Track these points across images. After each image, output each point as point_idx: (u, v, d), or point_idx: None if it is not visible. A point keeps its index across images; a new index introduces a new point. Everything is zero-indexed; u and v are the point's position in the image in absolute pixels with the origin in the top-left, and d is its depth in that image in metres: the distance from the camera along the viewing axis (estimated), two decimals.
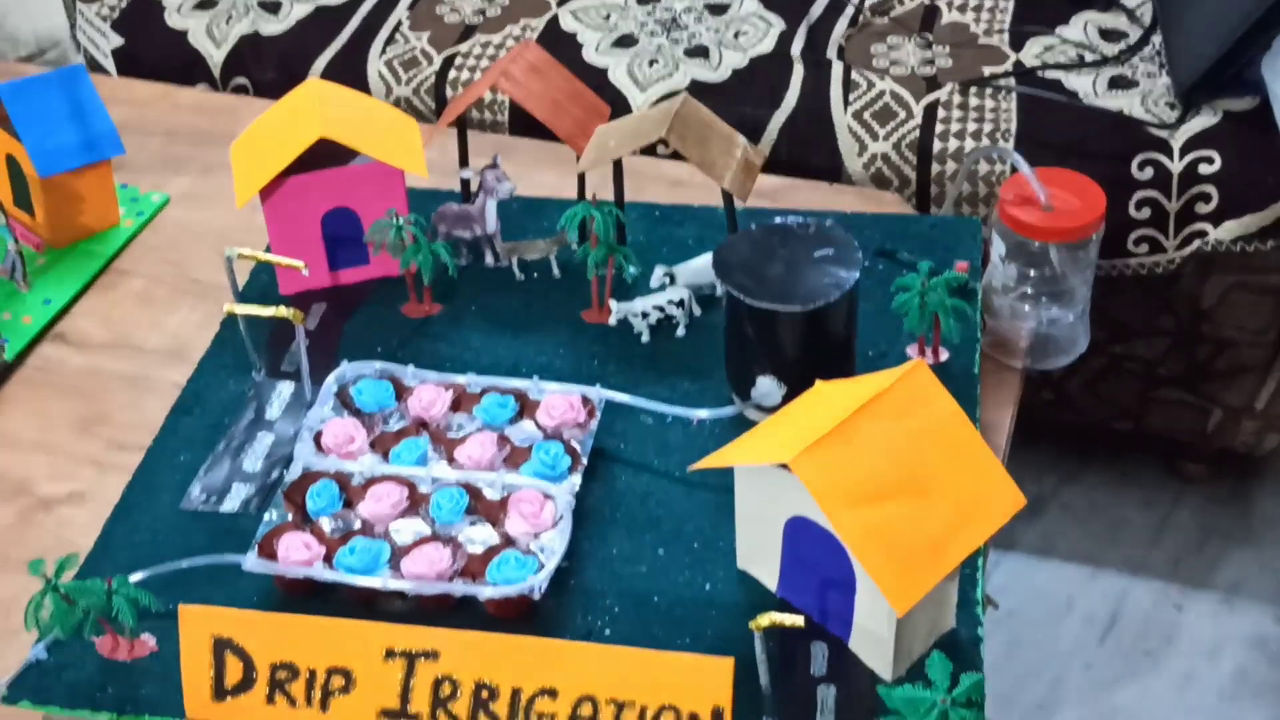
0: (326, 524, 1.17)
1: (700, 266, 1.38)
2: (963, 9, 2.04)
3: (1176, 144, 1.78)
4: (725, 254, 1.23)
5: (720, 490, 1.21)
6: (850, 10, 2.03)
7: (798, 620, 0.97)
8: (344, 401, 1.27)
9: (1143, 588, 1.92)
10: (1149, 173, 1.77)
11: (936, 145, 1.82)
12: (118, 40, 2.05)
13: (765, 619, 0.98)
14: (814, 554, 1.08)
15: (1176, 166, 1.77)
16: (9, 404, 1.41)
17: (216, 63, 2.03)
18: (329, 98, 1.38)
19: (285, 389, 1.33)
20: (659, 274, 1.37)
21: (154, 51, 2.06)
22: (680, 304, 1.35)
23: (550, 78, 1.40)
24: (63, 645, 1.11)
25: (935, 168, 1.82)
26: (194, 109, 1.82)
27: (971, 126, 1.83)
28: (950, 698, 0.95)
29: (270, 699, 1.04)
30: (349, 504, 1.19)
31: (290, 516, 1.17)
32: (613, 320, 1.35)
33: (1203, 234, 1.78)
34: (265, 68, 2.02)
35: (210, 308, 1.50)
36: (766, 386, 1.22)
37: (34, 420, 1.39)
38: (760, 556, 1.13)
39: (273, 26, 2.05)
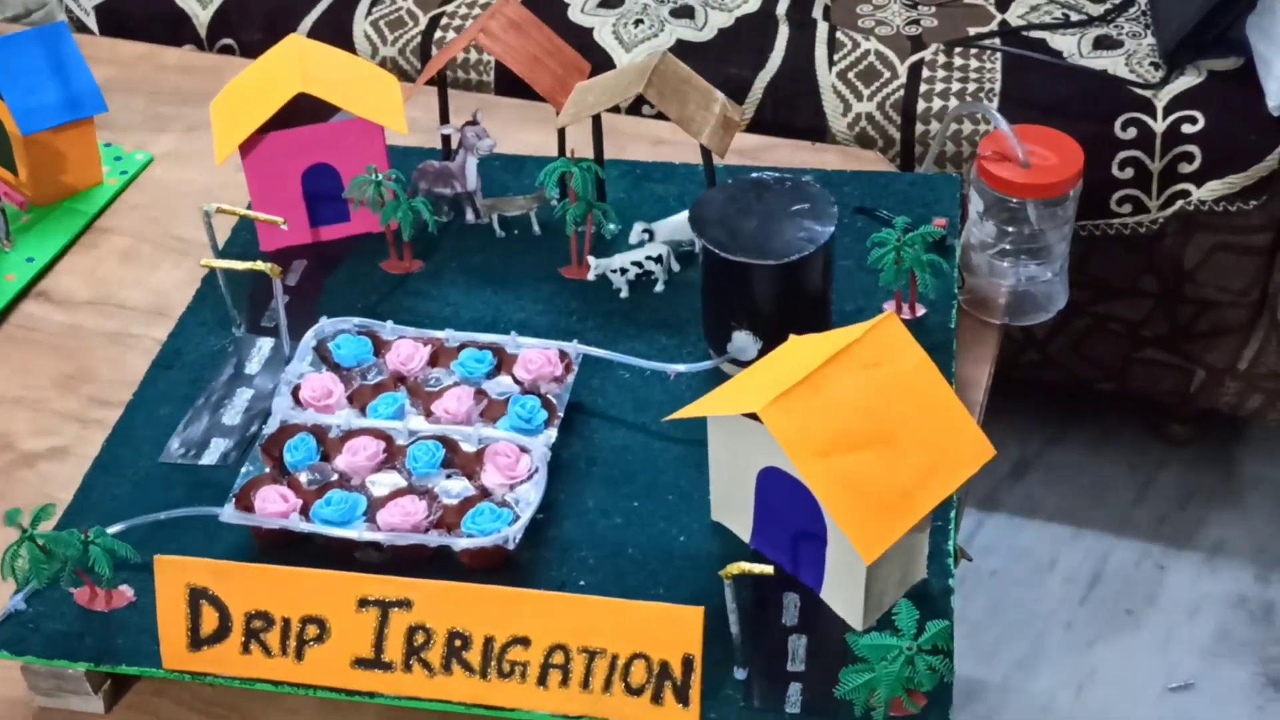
0: (303, 476, 1.17)
1: (679, 223, 1.38)
2: None
3: (1160, 104, 1.78)
4: (701, 209, 1.23)
5: (696, 444, 1.22)
6: None
7: (766, 569, 0.98)
8: (322, 356, 1.27)
9: (1125, 548, 1.93)
10: (1132, 132, 1.77)
11: (921, 105, 1.82)
12: None
13: (734, 568, 0.99)
14: (785, 505, 1.08)
15: (1160, 126, 1.77)
16: None
17: (202, 23, 2.02)
18: (309, 54, 1.38)
19: (265, 344, 1.34)
20: (638, 230, 1.37)
21: (138, 11, 2.06)
22: (659, 260, 1.35)
23: (530, 34, 1.40)
24: (40, 595, 1.12)
25: (919, 128, 1.82)
26: (179, 69, 1.82)
27: (956, 86, 1.83)
28: (916, 644, 0.96)
29: (245, 649, 1.05)
30: (326, 457, 1.19)
31: (268, 469, 1.17)
32: (591, 275, 1.36)
33: (1186, 194, 1.78)
34: (252, 28, 2.02)
35: (192, 265, 1.51)
36: (742, 341, 1.23)
37: (16, 377, 1.40)
38: (733, 508, 1.14)
39: None
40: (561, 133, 1.42)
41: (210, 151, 1.66)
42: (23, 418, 1.36)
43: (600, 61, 1.89)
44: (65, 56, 1.55)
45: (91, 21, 2.05)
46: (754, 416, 1.01)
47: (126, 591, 1.12)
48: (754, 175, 1.26)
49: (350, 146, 1.38)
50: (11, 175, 1.57)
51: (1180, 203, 1.78)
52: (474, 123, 1.41)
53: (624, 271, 1.35)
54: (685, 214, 1.39)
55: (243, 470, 1.17)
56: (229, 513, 1.13)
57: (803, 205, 1.22)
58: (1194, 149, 1.76)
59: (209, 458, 1.23)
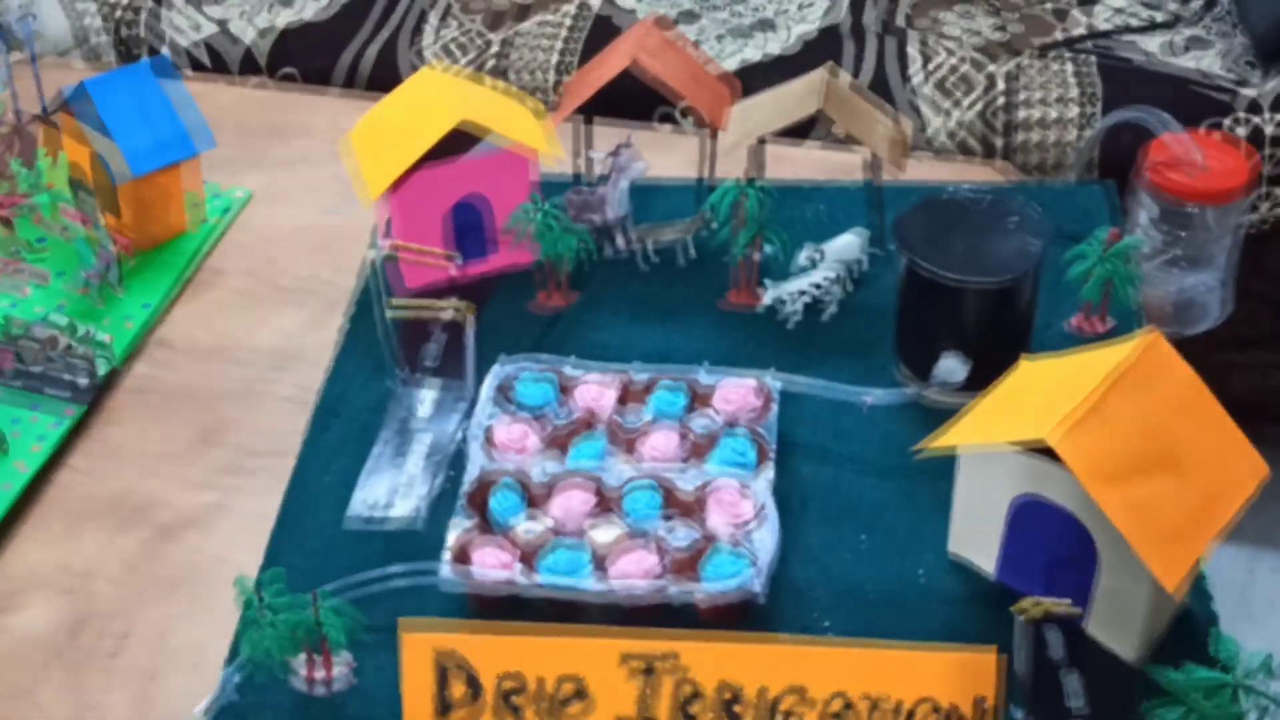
0: (519, 529, 1.11)
1: (846, 243, 1.34)
2: None
3: (1265, 101, 1.77)
4: (905, 228, 1.18)
5: (907, 475, 1.17)
6: None
7: (1065, 603, 0.93)
8: (506, 398, 1.21)
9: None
10: (1242, 132, 1.75)
11: (1021, 113, 1.79)
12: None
13: (1029, 602, 0.94)
14: (1043, 535, 1.04)
15: (1270, 125, 1.75)
16: (121, 416, 1.34)
17: (262, 52, 1.95)
18: (452, 83, 1.31)
19: (430, 389, 1.27)
20: (807, 252, 1.32)
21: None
22: (835, 282, 1.30)
23: (680, 55, 1.35)
24: (254, 670, 1.05)
25: (1020, 136, 1.79)
26: (260, 102, 1.75)
27: (1055, 93, 1.80)
28: (1241, 677, 0.92)
29: (498, 714, 0.98)
30: (534, 506, 1.13)
31: (476, 523, 1.11)
32: (767, 299, 1.30)
33: None
34: (314, 56, 1.94)
35: (317, 306, 1.43)
36: (951, 364, 1.18)
37: (151, 432, 1.32)
38: (977, 540, 1.09)
39: (317, 12, 1.98)
40: (712, 155, 1.37)
41: (311, 186, 1.59)
42: (168, 474, 1.28)
43: None
44: (170, 91, 1.47)
45: (112, 60, 1.96)
46: (1021, 446, 0.97)
47: (349, 659, 1.05)
48: (949, 191, 1.22)
49: (501, 178, 1.32)
50: (114, 218, 1.49)
51: None
52: (628, 145, 1.36)
53: (802, 294, 1.30)
54: (852, 233, 1.34)
55: (451, 523, 1.10)
56: (449, 569, 1.06)
57: (1010, 220, 1.18)
58: None
59: (399, 513, 1.16)
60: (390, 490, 1.18)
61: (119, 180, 1.45)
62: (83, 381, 1.33)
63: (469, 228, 1.34)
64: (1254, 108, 1.76)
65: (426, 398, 1.26)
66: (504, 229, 1.31)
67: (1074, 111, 1.78)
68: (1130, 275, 1.22)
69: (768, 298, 1.30)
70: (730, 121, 1.31)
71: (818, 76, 1.28)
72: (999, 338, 1.18)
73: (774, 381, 1.21)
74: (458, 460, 1.20)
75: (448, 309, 1.16)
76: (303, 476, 1.21)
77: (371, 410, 1.26)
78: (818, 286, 1.30)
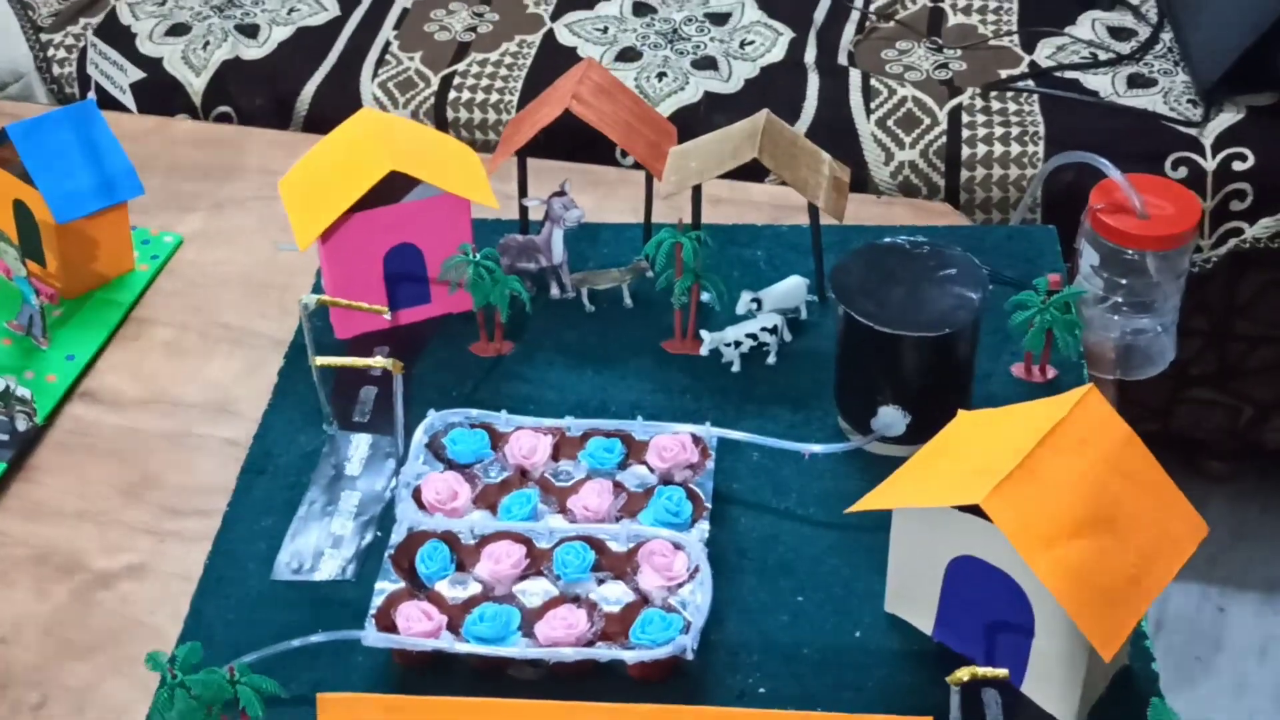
0: (444, 589, 1.08)
1: (786, 290, 1.32)
2: (967, 11, 2.00)
3: (1207, 141, 1.76)
4: (841, 277, 1.17)
5: (847, 529, 1.15)
6: (856, 15, 1.98)
7: (1000, 672, 0.91)
8: (436, 453, 1.18)
9: (1182, 591, 1.90)
10: (1183, 171, 1.75)
11: (965, 151, 1.78)
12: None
13: (964, 673, 0.92)
14: (981, 595, 1.02)
15: (1210, 164, 1.75)
16: (45, 471, 1.30)
17: (197, 91, 1.92)
18: (388, 129, 1.29)
19: (361, 442, 1.24)
20: (745, 300, 1.30)
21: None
22: (773, 330, 1.28)
23: (617, 98, 1.33)
24: None
25: (964, 174, 1.78)
26: (192, 142, 1.71)
27: (999, 131, 1.79)
28: None
29: None
30: (461, 565, 1.10)
31: (403, 583, 1.08)
32: (704, 350, 1.28)
33: (1238, 231, 1.76)
34: (251, 95, 1.91)
35: (248, 355, 1.40)
36: (890, 416, 1.17)
37: (75, 487, 1.28)
38: (914, 598, 1.07)
39: (254, 51, 1.95)
40: (648, 201, 1.35)
41: (243, 230, 1.56)
42: (90, 533, 1.24)
43: None
44: (97, 136, 1.43)
45: (77, 92, 1.93)
46: (957, 506, 0.95)
47: None
48: (887, 240, 1.20)
49: (435, 224, 1.29)
50: (39, 267, 1.45)
51: (1233, 241, 1.76)
52: (561, 193, 1.33)
53: (739, 344, 1.28)
54: (792, 280, 1.32)
55: (377, 587, 1.07)
56: (373, 636, 1.03)
57: (948, 271, 1.16)
58: (1245, 186, 1.74)
59: (325, 572, 1.13)
60: (317, 548, 1.15)
61: (43, 228, 1.42)
62: (1, 438, 1.30)
63: (404, 273, 1.32)
64: (1195, 146, 1.76)
65: (356, 452, 1.23)
66: (437, 278, 1.28)
67: (1017, 150, 1.77)
68: (1071, 324, 1.21)
69: (704, 348, 1.28)
70: (668, 168, 1.29)
71: (756, 122, 1.26)
72: (938, 389, 1.17)
73: (710, 434, 1.18)
74: (388, 515, 1.17)
75: (376, 365, 1.13)
76: (229, 532, 1.18)
77: (302, 464, 1.23)
78: (752, 337, 1.28)
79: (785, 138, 1.27)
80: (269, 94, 1.90)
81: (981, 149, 1.78)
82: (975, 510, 0.96)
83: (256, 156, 1.69)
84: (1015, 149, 1.77)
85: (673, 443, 1.17)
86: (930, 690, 1.01)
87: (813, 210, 1.30)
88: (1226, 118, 1.78)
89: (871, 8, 2.00)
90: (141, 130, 1.72)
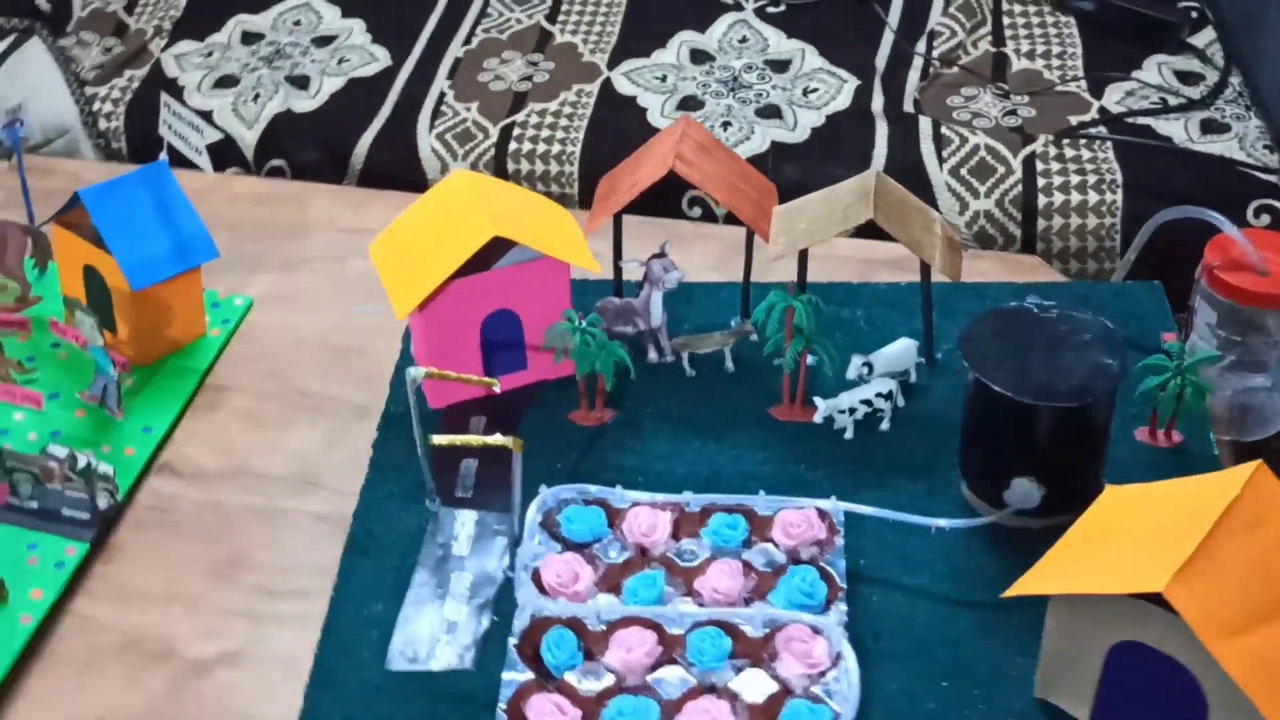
0: (575, 680, 1.03)
1: (897, 353, 1.27)
2: (1031, 56, 1.97)
3: None
4: (972, 344, 1.12)
5: (985, 606, 1.11)
6: (919, 62, 1.95)
7: None
8: (551, 532, 1.13)
9: None
10: (1266, 219, 1.71)
11: (1041, 200, 1.74)
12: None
13: None
14: (1146, 683, 0.97)
15: None
16: (128, 551, 1.24)
17: (249, 144, 1.86)
18: (482, 189, 1.24)
19: (466, 518, 1.19)
20: (857, 364, 1.26)
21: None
22: (888, 396, 1.24)
23: (718, 156, 1.29)
24: None
25: (1041, 223, 1.74)
26: (251, 198, 1.67)
27: (1074, 179, 1.75)
28: None
29: None
30: (589, 654, 1.05)
31: (531, 674, 1.03)
32: (818, 418, 1.24)
33: None
34: (305, 148, 1.86)
35: (330, 424, 1.35)
36: (1024, 489, 1.12)
37: (162, 568, 1.23)
38: (1069, 684, 1.02)
39: (305, 103, 1.90)
40: (748, 263, 1.31)
41: (314, 291, 1.51)
42: (181, 617, 1.19)
43: None
44: (170, 199, 1.39)
45: (124, 147, 1.88)
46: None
47: None
48: (1014, 304, 1.16)
49: (534, 289, 1.25)
50: (110, 334, 1.40)
51: None
52: (661, 254, 1.29)
53: (853, 411, 1.23)
54: (902, 343, 1.28)
55: (504, 678, 1.02)
56: None
57: (1082, 336, 1.12)
58: None
59: (442, 661, 1.08)
60: (432, 635, 1.10)
61: (115, 295, 1.37)
62: (83, 516, 1.24)
63: (501, 340, 1.27)
64: (1276, 192, 1.72)
65: (462, 530, 1.18)
66: (543, 345, 1.23)
67: (1095, 198, 1.73)
68: (1202, 388, 1.17)
69: (819, 415, 1.23)
70: (774, 229, 1.24)
71: (866, 181, 1.22)
72: (1075, 460, 1.12)
73: (837, 508, 1.14)
74: (504, 597, 1.12)
75: (497, 443, 1.08)
76: (338, 618, 1.13)
77: (406, 543, 1.18)
78: (869, 403, 1.23)
79: (896, 196, 1.23)
80: (323, 147, 1.85)
81: (1059, 198, 1.74)
82: (1144, 594, 0.91)
83: (319, 213, 1.65)
84: (1094, 197, 1.73)
85: (799, 518, 1.12)
86: None
87: (924, 270, 1.26)
88: None
89: (934, 54, 1.96)
90: (201, 187, 1.66)
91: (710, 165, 1.26)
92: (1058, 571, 0.98)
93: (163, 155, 1.42)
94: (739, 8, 2.06)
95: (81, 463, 1.24)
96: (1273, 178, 1.74)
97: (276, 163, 1.87)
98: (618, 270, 1.34)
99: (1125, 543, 0.96)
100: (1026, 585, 0.98)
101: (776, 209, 1.27)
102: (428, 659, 1.08)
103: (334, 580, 1.18)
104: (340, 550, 1.21)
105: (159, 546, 1.25)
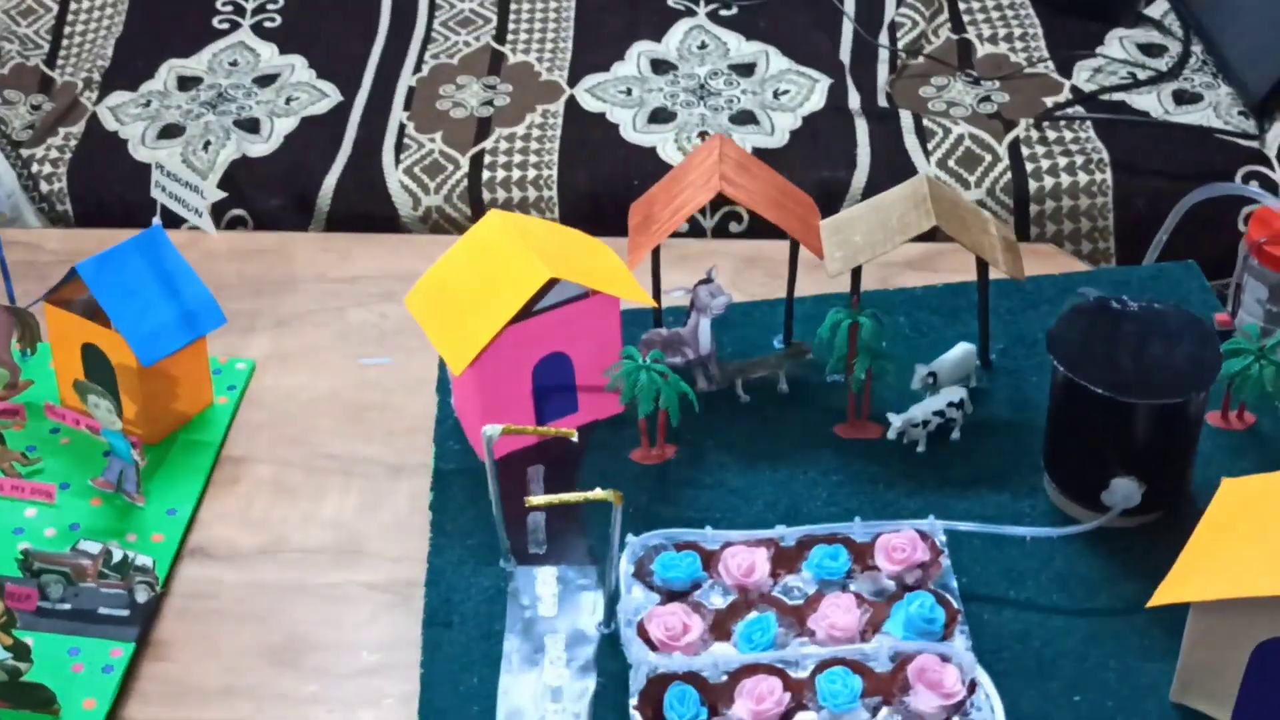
0: None
1: (959, 359, 1.24)
2: (994, 40, 1.95)
3: (1271, 152, 1.73)
4: (1059, 344, 1.09)
5: (1097, 614, 1.08)
6: (885, 54, 1.92)
7: None
8: (646, 582, 1.08)
9: None
10: (1255, 184, 1.71)
11: (1032, 185, 1.72)
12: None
13: None
14: None
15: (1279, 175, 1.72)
16: (175, 645, 1.16)
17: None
18: (522, 230, 1.18)
19: (546, 576, 1.13)
20: (921, 374, 1.22)
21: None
22: (960, 405, 1.20)
23: (756, 174, 1.24)
24: None
25: (1034, 208, 1.72)
26: (229, 254, 1.58)
27: (1062, 161, 1.74)
28: None
29: None
30: (714, 709, 1.00)
31: None
32: (892, 434, 1.20)
33: None
34: (266, 195, 1.77)
35: (363, 486, 1.28)
36: (1125, 489, 1.09)
37: (216, 659, 1.15)
38: (1209, 686, 1.00)
39: (260, 147, 1.81)
40: (792, 280, 1.26)
41: (316, 348, 1.43)
42: (249, 712, 1.11)
43: None
44: (170, 265, 1.30)
45: (70, 210, 1.77)
46: None
47: None
48: (1095, 299, 1.13)
49: (585, 328, 1.19)
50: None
51: None
52: (708, 280, 1.24)
53: (925, 424, 1.20)
54: (961, 348, 1.25)
55: None
56: None
57: (1169, 327, 1.10)
58: None
59: None
60: (537, 703, 1.04)
61: (120, 372, 1.28)
62: (123, 614, 1.16)
63: (553, 384, 1.21)
64: (1260, 158, 1.72)
65: (545, 589, 1.12)
66: (607, 387, 1.17)
67: (1085, 179, 1.72)
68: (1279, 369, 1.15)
69: (892, 431, 1.19)
70: (827, 244, 1.20)
71: (918, 188, 1.18)
72: (1173, 455, 1.10)
73: (936, 527, 1.10)
74: (603, 655, 1.06)
75: (597, 499, 1.02)
76: (432, 697, 1.06)
77: (489, 609, 1.12)
78: (941, 414, 1.20)
79: (949, 200, 1.20)
80: (286, 192, 1.76)
81: (1049, 181, 1.72)
82: None
83: (305, 263, 1.57)
84: (1083, 178, 1.72)
85: (901, 542, 1.08)
86: None
87: (982, 271, 1.23)
88: None
89: (899, 46, 1.94)
90: (178, 245, 1.58)
91: (753, 183, 1.21)
92: (1199, 574, 0.95)
93: (156, 220, 1.32)
94: (691, 13, 2.02)
95: (118, 556, 1.16)
96: (1254, 144, 1.75)
97: (237, 212, 1.77)
98: (657, 300, 1.29)
99: (1264, 538, 0.93)
100: (1171, 593, 0.95)
101: (824, 223, 1.23)
102: None
103: (406, 654, 1.11)
104: (402, 619, 1.15)
105: (208, 637, 1.17)
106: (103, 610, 1.16)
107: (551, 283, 1.17)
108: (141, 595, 1.17)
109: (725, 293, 1.24)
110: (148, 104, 1.89)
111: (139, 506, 1.25)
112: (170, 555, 1.22)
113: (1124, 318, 1.11)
